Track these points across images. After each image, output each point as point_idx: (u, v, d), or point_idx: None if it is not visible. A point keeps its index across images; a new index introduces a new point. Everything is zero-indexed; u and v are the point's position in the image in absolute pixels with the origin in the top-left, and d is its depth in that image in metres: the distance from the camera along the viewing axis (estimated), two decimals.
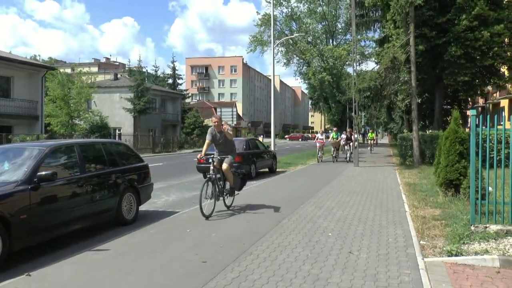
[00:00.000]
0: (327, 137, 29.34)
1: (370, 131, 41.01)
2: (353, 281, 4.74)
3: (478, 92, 26.18)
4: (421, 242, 6.39)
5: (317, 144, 24.92)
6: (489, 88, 32.45)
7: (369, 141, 38.68)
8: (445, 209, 8.54)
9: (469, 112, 29.49)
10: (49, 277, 5.02)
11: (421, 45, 20.59)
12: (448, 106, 30.40)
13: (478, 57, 20.93)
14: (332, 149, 24.86)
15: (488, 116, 11.54)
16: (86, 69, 51.87)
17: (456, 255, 5.56)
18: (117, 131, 45.73)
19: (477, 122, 6.74)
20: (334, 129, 27.91)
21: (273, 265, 5.31)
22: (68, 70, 63.49)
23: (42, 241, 6.33)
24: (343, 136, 26.72)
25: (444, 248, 5.85)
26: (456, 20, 20.14)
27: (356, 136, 28.80)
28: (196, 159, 16.85)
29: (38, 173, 6.15)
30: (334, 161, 24.35)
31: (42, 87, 32.51)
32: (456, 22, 20.10)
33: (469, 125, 26.44)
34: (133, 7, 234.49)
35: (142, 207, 9.23)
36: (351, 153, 25.11)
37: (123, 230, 7.52)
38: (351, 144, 25.54)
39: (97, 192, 7.43)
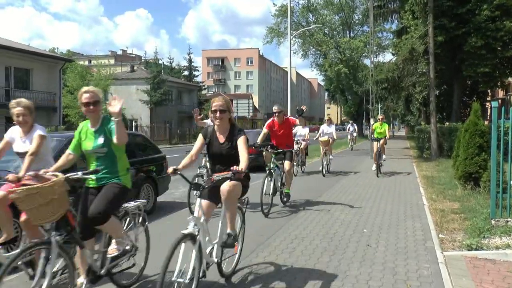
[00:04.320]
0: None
1: (380, 119, 15.44)
2: (372, 274, 4.71)
3: (499, 84, 25.71)
4: (440, 235, 6.32)
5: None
6: (510, 79, 31.86)
7: (375, 142, 14.66)
8: (464, 203, 8.43)
9: (488, 104, 29.08)
10: None
11: (440, 36, 20.28)
12: (467, 99, 29.94)
13: (499, 48, 20.54)
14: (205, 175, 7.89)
15: (511, 109, 11.28)
16: (103, 61, 52.31)
17: (476, 249, 5.48)
18: (133, 122, 46.07)
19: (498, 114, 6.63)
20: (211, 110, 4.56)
21: (291, 257, 5.31)
22: (85, 62, 64.11)
23: None
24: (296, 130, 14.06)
25: (464, 242, 5.78)
26: (476, 10, 19.77)
27: (352, 128, 26.54)
28: None
29: None
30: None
31: (60, 79, 32.85)
32: (476, 13, 19.75)
33: (488, 118, 26.09)
34: None
35: (160, 198, 9.29)
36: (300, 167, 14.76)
37: None
38: (299, 155, 14.28)
39: None
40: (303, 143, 14.87)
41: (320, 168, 14.39)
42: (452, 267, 4.91)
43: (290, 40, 27.16)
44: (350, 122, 35.36)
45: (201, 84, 65.46)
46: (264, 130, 8.81)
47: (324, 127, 15.63)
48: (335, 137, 15.44)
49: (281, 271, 4.79)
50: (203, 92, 67.30)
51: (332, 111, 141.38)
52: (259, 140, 8.67)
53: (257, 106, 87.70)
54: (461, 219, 7.17)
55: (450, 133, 18.74)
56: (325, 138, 14.94)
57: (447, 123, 22.43)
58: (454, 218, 7.27)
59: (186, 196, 8.27)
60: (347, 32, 54.68)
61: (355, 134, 30.37)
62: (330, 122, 15.90)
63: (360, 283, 4.44)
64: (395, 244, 5.86)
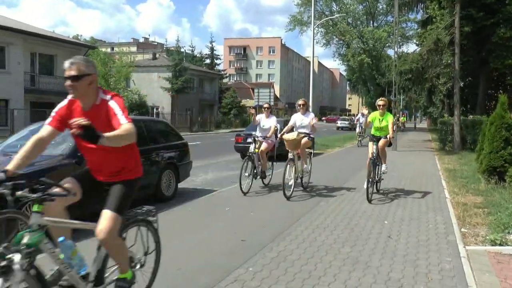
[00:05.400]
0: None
1: (380, 105, 8.70)
2: (393, 265, 4.69)
3: None
4: (462, 229, 6.24)
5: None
6: None
7: (371, 142, 8.79)
8: (488, 197, 8.29)
9: None
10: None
11: (466, 26, 19.85)
12: (492, 91, 29.28)
13: None
14: None
15: None
16: (125, 49, 52.84)
17: (500, 245, 5.38)
18: (155, 109, 46.45)
19: None
20: None
21: (312, 246, 5.31)
22: (107, 50, 64.66)
23: (84, 213, 6.47)
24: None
25: (487, 237, 5.69)
26: (507, 0, 19.27)
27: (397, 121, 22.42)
28: (233, 139, 16.96)
29: None
30: None
31: None
32: (507, 2, 19.26)
33: None
34: None
35: (181, 185, 9.36)
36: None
37: (162, 206, 7.63)
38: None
39: None
40: (264, 144, 9.07)
41: (289, 182, 8.45)
42: (475, 262, 4.84)
43: (313, 30, 26.91)
44: (361, 112, 27.65)
45: (222, 72, 65.56)
46: (43, 130, 3.13)
47: (296, 117, 9.16)
48: (313, 127, 8.88)
49: (302, 261, 4.80)
50: (225, 80, 67.43)
51: (354, 101, 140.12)
52: (11, 166, 2.87)
53: (278, 95, 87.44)
54: (484, 214, 7.06)
55: (474, 126, 18.38)
56: (294, 135, 8.56)
57: (471, 116, 22.02)
58: (477, 213, 7.16)
59: (207, 183, 8.31)
60: (371, 22, 54.02)
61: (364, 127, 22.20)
62: (306, 108, 9.18)
63: (381, 275, 4.42)
64: (417, 237, 5.81)
